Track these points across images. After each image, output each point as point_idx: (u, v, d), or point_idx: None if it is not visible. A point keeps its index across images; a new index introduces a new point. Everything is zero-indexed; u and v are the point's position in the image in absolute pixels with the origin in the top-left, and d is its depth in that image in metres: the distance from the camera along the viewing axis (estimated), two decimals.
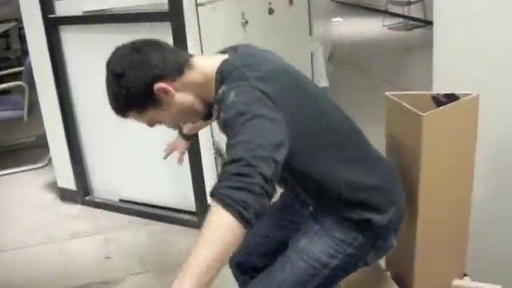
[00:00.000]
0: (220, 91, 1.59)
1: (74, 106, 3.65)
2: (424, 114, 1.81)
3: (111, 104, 1.72)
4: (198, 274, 1.23)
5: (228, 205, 1.26)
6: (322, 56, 5.71)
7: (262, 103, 1.49)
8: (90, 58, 3.48)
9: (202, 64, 1.70)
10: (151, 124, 1.77)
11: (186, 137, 2.28)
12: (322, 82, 5.72)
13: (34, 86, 3.83)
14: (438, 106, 1.93)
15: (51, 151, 3.92)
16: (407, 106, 1.89)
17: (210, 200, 1.31)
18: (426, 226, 1.96)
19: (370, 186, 1.72)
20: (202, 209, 3.43)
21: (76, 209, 3.85)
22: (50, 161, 4.19)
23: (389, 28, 9.31)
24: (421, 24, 9.00)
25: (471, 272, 2.33)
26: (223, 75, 1.62)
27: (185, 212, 3.57)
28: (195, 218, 3.48)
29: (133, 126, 3.47)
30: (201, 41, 3.19)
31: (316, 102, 1.72)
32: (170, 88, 1.63)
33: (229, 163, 1.32)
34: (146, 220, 3.62)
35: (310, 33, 5.52)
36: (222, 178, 1.31)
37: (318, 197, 1.77)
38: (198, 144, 3.26)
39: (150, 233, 3.50)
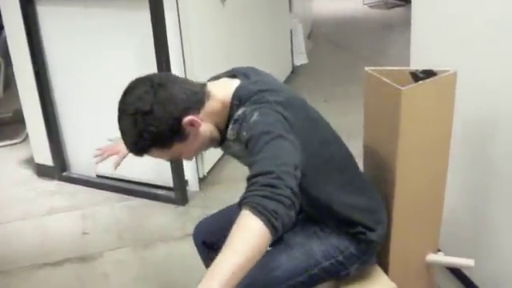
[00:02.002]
0: (240, 112, 1.62)
1: (50, 82, 3.60)
2: (403, 89, 1.82)
3: (131, 143, 1.66)
4: (226, 278, 1.23)
5: (260, 212, 1.28)
6: (302, 33, 5.69)
7: (283, 126, 1.53)
8: (67, 32, 3.44)
9: (218, 91, 1.71)
10: (172, 158, 1.76)
11: None
12: (302, 59, 5.72)
13: (10, 61, 3.78)
14: (416, 81, 1.94)
15: (28, 127, 3.88)
16: (386, 80, 1.89)
17: (241, 207, 1.33)
18: (402, 200, 1.98)
19: (363, 206, 1.85)
20: (179, 184, 3.43)
21: (53, 185, 3.82)
22: (26, 137, 4.15)
23: (369, 6, 9.28)
24: (401, 3, 8.99)
25: (445, 247, 2.36)
26: (241, 100, 1.66)
27: (162, 188, 3.57)
28: (172, 194, 3.48)
29: (110, 101, 3.46)
30: (179, 15, 3.16)
31: (322, 131, 1.82)
32: (198, 120, 1.63)
33: (258, 175, 1.36)
34: (123, 195, 3.61)
35: (290, 10, 5.50)
36: (252, 188, 1.35)
37: (320, 214, 1.85)
38: None
39: (127, 208, 3.49)
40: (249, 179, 1.39)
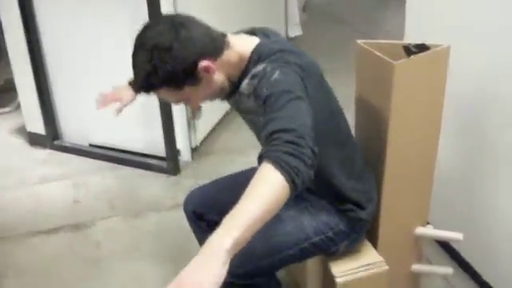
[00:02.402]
0: (259, 68, 1.61)
1: (42, 50, 3.58)
2: (396, 63, 1.82)
3: (143, 79, 1.61)
4: (243, 227, 1.22)
5: (282, 168, 1.27)
6: (296, 4, 5.65)
7: (301, 88, 1.53)
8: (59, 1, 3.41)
9: (238, 44, 1.70)
10: (179, 101, 1.73)
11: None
12: (296, 30, 5.68)
13: (1, 29, 3.74)
14: (409, 55, 1.93)
15: (19, 96, 3.85)
16: (379, 54, 1.89)
17: (260, 162, 1.32)
18: (392, 174, 2.00)
19: (358, 184, 1.87)
20: (171, 154, 3.44)
21: (45, 153, 3.82)
22: (18, 105, 4.12)
23: None
24: None
25: (434, 220, 2.38)
26: (261, 56, 1.65)
27: (154, 157, 3.57)
28: (164, 164, 3.49)
29: (102, 69, 3.45)
30: None
31: (331, 101, 1.81)
32: (214, 66, 1.62)
33: (280, 131, 1.34)
34: (115, 165, 3.61)
35: None
36: (274, 143, 1.33)
37: (317, 187, 1.85)
38: None
39: (119, 177, 3.50)
40: (270, 134, 1.36)
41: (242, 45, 1.70)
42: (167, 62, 1.56)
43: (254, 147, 3.74)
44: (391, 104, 1.86)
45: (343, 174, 1.83)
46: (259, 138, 1.82)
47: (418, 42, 1.95)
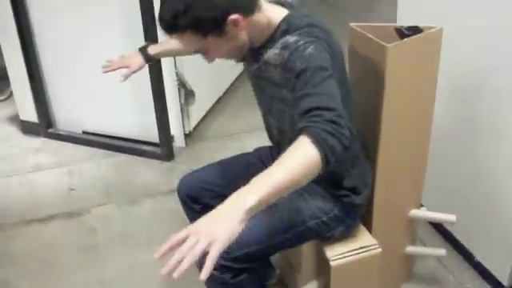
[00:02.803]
0: (291, 39, 1.59)
1: (34, 37, 3.55)
2: (389, 45, 1.81)
3: (171, 17, 1.57)
4: (268, 190, 1.26)
5: (320, 144, 1.30)
6: None
7: (331, 66, 1.52)
8: None
9: (269, 10, 1.69)
10: (198, 50, 1.70)
11: (148, 58, 2.23)
12: None
13: None
14: (402, 38, 1.93)
15: (12, 84, 3.82)
16: (371, 37, 1.89)
17: (301, 135, 1.34)
18: (386, 156, 2.00)
19: (357, 170, 1.89)
20: (165, 140, 3.44)
21: (39, 141, 3.81)
22: (11, 94, 4.11)
23: None
24: None
25: (428, 202, 2.40)
26: (290, 27, 1.64)
27: (148, 143, 3.57)
28: (158, 150, 3.49)
29: (95, 57, 3.43)
30: None
31: (347, 86, 1.79)
32: (242, 23, 1.60)
33: (321, 108, 1.37)
34: (110, 152, 3.61)
35: None
36: (316, 119, 1.35)
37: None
38: (161, 75, 3.23)
39: (114, 164, 3.50)
40: (309, 110, 1.38)
41: (273, 12, 1.69)
42: (200, 5, 1.54)
43: (248, 132, 3.77)
44: (384, 87, 1.86)
45: (345, 160, 1.82)
46: (269, 109, 1.85)
47: (411, 24, 1.95)
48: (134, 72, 2.20)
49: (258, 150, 2.18)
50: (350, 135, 1.38)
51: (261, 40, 1.70)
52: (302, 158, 1.30)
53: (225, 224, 1.22)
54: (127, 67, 2.21)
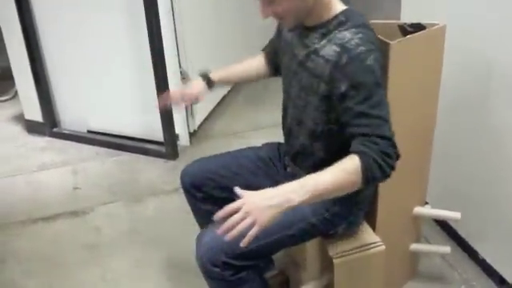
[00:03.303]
0: (352, 41, 1.62)
1: (39, 37, 3.56)
2: (392, 42, 1.81)
3: None
4: (309, 196, 1.50)
5: (366, 174, 1.51)
6: None
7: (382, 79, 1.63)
8: None
9: None
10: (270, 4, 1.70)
11: (210, 83, 2.18)
12: None
13: None
14: (405, 35, 1.93)
15: (17, 83, 3.84)
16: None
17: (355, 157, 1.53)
18: None
19: None
20: (170, 139, 3.44)
21: (44, 141, 3.82)
22: (16, 93, 4.12)
23: None
24: None
25: (432, 200, 2.39)
26: (348, 21, 1.67)
27: (152, 142, 3.57)
28: (162, 148, 3.49)
29: (100, 56, 3.44)
30: None
31: None
32: None
33: (380, 137, 1.54)
34: (114, 151, 3.62)
35: None
36: (372, 147, 1.53)
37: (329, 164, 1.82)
38: (166, 74, 3.23)
39: (118, 163, 3.51)
40: (367, 135, 1.54)
41: (335, 1, 1.73)
42: None
43: (252, 130, 3.77)
44: (388, 84, 1.85)
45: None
46: (294, 97, 1.86)
47: (414, 21, 1.94)
48: (196, 101, 2.17)
49: (266, 146, 2.18)
50: (396, 161, 1.57)
51: (316, 20, 1.72)
52: (346, 177, 1.52)
53: (269, 211, 1.49)
54: (195, 98, 2.17)
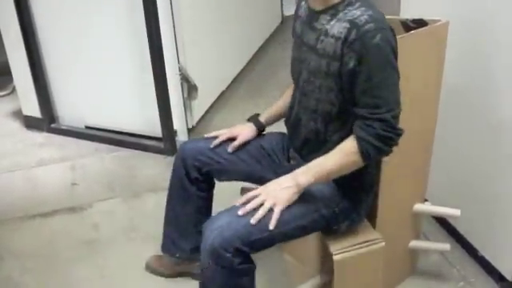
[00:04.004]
0: (357, 13, 1.67)
1: (36, 33, 3.55)
2: None
3: None
4: (315, 177, 1.75)
5: (363, 154, 1.69)
6: None
7: (394, 58, 1.70)
8: None
9: None
10: None
11: (260, 125, 2.20)
12: (292, 8, 5.65)
13: None
14: (407, 31, 1.92)
15: (14, 79, 3.82)
16: None
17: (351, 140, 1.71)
18: None
19: (369, 167, 1.88)
20: (168, 135, 3.43)
21: (42, 136, 3.81)
22: (13, 89, 4.11)
23: None
24: None
25: (431, 197, 2.39)
26: (360, 2, 1.72)
27: (151, 138, 3.56)
28: (161, 144, 3.48)
29: (98, 52, 3.43)
30: None
31: None
32: None
33: (377, 120, 1.66)
34: (113, 146, 3.61)
35: None
36: (369, 131, 1.66)
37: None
38: (164, 69, 3.22)
39: (117, 159, 3.50)
40: (366, 118, 1.67)
41: None
42: None
43: None
44: None
45: None
46: (303, 83, 1.88)
47: (416, 17, 1.94)
48: (243, 143, 2.15)
49: (270, 136, 2.19)
50: (398, 140, 1.70)
51: (327, 2, 1.75)
52: (346, 158, 1.72)
53: (285, 192, 1.75)
54: (236, 137, 2.15)
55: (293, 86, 2.12)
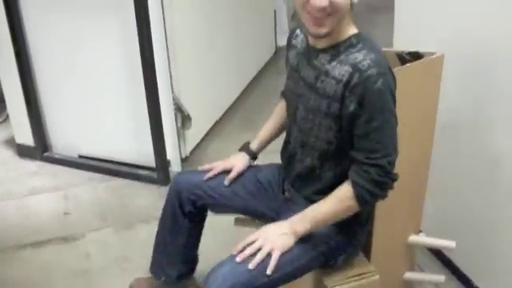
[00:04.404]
0: (359, 57, 1.67)
1: (31, 61, 3.55)
2: None
3: None
4: (312, 225, 1.77)
5: (358, 199, 1.71)
6: (286, 13, 5.66)
7: (394, 102, 1.71)
8: (47, 11, 3.38)
9: (350, 21, 1.76)
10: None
11: (252, 154, 2.22)
12: (285, 39, 5.68)
13: None
14: (403, 63, 1.93)
15: (8, 107, 3.82)
16: None
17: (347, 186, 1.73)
18: None
19: None
20: (161, 164, 3.42)
21: (35, 165, 3.79)
22: (7, 117, 4.10)
23: None
24: None
25: (426, 228, 2.38)
26: (360, 41, 1.73)
27: (144, 168, 3.55)
28: (154, 174, 3.47)
29: (92, 81, 3.44)
30: None
31: None
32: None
33: (372, 165, 1.68)
34: (106, 176, 3.59)
35: None
36: (365, 176, 1.68)
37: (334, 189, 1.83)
38: (158, 99, 3.23)
39: (110, 189, 3.48)
40: (363, 163, 1.68)
41: (351, 23, 1.77)
42: None
43: None
44: None
45: None
46: (300, 120, 1.87)
47: (412, 49, 1.95)
48: (238, 174, 2.15)
49: (267, 168, 2.18)
50: (393, 185, 1.73)
51: (330, 41, 1.74)
52: (341, 205, 1.74)
53: (282, 238, 1.76)
54: (230, 169, 2.16)
55: (280, 105, 2.17)
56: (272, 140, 2.23)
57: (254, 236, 1.77)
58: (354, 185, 1.70)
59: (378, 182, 1.68)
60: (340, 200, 1.73)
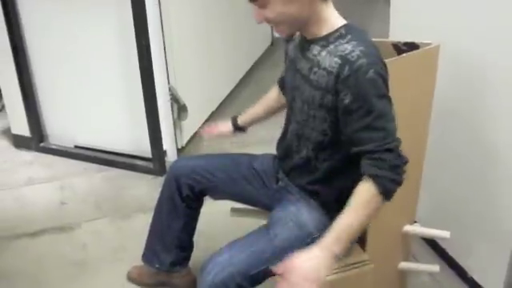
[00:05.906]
0: (349, 48, 1.63)
1: (27, 52, 3.55)
2: (386, 61, 1.81)
3: None
4: (346, 240, 1.58)
5: (382, 192, 1.58)
6: None
7: (387, 89, 1.66)
8: (44, 3, 3.38)
9: (334, 12, 1.74)
10: (263, 9, 1.69)
11: (236, 126, 2.32)
12: None
13: None
14: (399, 54, 1.94)
15: (4, 97, 3.82)
16: None
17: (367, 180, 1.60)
18: None
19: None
20: (157, 155, 3.43)
21: (31, 155, 3.79)
22: (3, 107, 4.10)
23: None
24: None
25: (421, 218, 2.39)
26: (348, 33, 1.69)
27: (140, 158, 3.56)
28: (150, 164, 3.48)
29: (88, 71, 3.44)
30: None
31: None
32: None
33: (386, 150, 1.59)
34: (102, 166, 3.60)
35: None
36: (381, 164, 1.58)
37: (329, 179, 1.85)
38: (154, 90, 3.23)
39: (106, 179, 3.49)
40: (373, 152, 1.59)
41: (336, 16, 1.74)
42: None
43: (241, 147, 3.76)
44: None
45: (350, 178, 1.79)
46: (297, 112, 1.86)
47: (408, 40, 1.95)
48: (221, 134, 2.34)
49: (262, 157, 2.19)
50: (405, 167, 1.62)
51: (317, 33, 1.73)
52: (369, 208, 1.60)
53: (317, 269, 1.54)
54: (218, 130, 2.34)
55: (274, 88, 2.24)
56: (259, 118, 2.30)
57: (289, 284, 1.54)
58: (374, 178, 1.58)
59: (395, 167, 1.59)
60: (367, 203, 1.60)
